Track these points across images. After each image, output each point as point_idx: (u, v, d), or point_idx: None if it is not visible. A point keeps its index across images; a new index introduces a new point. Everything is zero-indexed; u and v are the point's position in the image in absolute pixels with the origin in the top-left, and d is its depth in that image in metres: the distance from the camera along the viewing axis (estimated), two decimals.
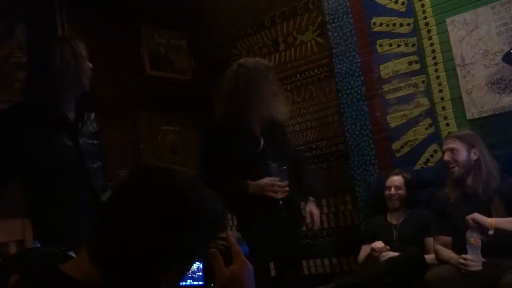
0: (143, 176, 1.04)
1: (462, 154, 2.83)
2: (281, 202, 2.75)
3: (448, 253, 2.82)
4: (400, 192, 3.36)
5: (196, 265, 1.14)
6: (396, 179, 3.40)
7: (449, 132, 3.58)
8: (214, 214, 1.03)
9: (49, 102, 2.19)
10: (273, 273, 2.99)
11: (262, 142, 2.82)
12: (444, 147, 2.93)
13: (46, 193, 2.17)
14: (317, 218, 2.91)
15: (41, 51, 2.26)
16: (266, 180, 2.70)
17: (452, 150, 2.85)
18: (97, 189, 2.23)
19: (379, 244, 3.22)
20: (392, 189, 3.37)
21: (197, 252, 1.03)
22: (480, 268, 2.59)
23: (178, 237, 0.97)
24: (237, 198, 2.80)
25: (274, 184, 2.70)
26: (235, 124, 2.76)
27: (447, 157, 2.87)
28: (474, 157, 2.82)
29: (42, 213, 2.19)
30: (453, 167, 2.84)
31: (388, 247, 3.19)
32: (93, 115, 2.38)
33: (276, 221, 2.77)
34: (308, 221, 2.90)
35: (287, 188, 2.73)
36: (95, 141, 2.34)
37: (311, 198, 2.95)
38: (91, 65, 2.27)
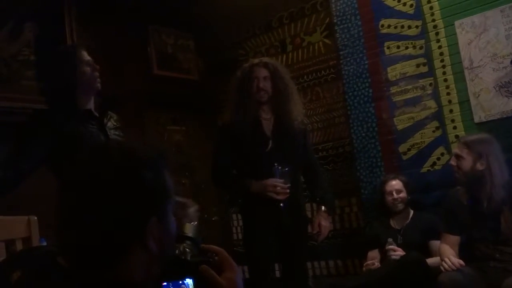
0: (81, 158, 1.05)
1: (467, 163, 2.76)
2: (282, 204, 2.75)
3: (447, 253, 2.79)
4: (402, 195, 3.37)
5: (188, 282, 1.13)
6: (395, 183, 3.41)
7: (456, 136, 3.57)
8: (154, 155, 1.03)
9: (74, 102, 2.42)
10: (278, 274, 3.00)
11: (270, 142, 2.82)
12: (453, 151, 2.90)
13: None
14: (324, 231, 2.90)
15: (55, 60, 2.50)
16: (269, 180, 2.71)
17: (458, 157, 2.81)
18: None
19: (373, 262, 3.28)
20: (394, 193, 3.38)
21: (161, 196, 1.01)
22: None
23: (133, 191, 0.96)
24: (243, 199, 2.83)
25: (275, 185, 2.71)
26: (243, 124, 2.77)
27: (453, 162, 2.84)
28: (480, 167, 2.73)
29: None
30: (456, 174, 2.81)
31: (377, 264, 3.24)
32: (114, 113, 2.63)
33: (277, 223, 2.77)
34: (315, 231, 2.90)
35: (288, 190, 2.73)
36: (120, 134, 2.57)
37: (322, 208, 2.93)
38: (90, 68, 2.46)
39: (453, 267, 2.62)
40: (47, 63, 2.57)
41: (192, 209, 2.29)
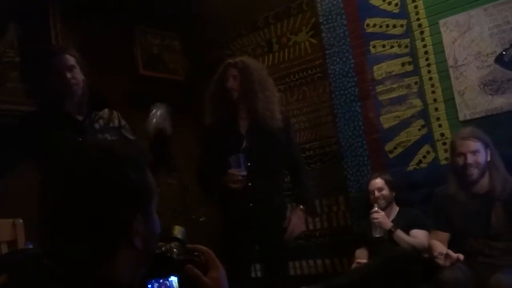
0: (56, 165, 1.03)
1: (483, 155, 2.74)
2: (251, 204, 2.76)
3: (442, 247, 2.77)
4: (383, 192, 3.38)
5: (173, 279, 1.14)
6: (377, 182, 3.42)
7: (441, 134, 3.59)
8: (135, 153, 1.03)
9: (54, 107, 2.41)
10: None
11: (245, 142, 2.82)
12: (464, 149, 2.76)
13: None
14: (294, 227, 2.85)
15: (37, 64, 2.53)
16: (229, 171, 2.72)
17: (474, 152, 2.74)
18: None
19: (363, 261, 3.29)
20: (376, 192, 3.39)
21: (145, 193, 1.02)
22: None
23: (116, 189, 0.96)
24: (220, 201, 2.87)
25: (231, 173, 2.70)
26: (219, 124, 2.78)
27: (470, 159, 2.73)
28: (489, 157, 2.75)
29: None
30: (473, 170, 2.74)
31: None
32: (106, 113, 2.57)
33: (251, 223, 2.78)
34: (286, 226, 2.86)
35: (240, 178, 2.70)
36: (110, 136, 2.51)
37: (300, 207, 2.90)
38: (78, 76, 2.44)
39: (454, 258, 2.58)
40: (27, 65, 2.55)
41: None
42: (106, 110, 2.59)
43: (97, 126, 2.50)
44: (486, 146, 2.77)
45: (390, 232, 3.16)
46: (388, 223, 3.20)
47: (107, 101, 2.66)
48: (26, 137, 2.34)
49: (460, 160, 2.78)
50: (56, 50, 2.52)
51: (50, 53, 2.47)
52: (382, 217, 3.21)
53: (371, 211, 3.25)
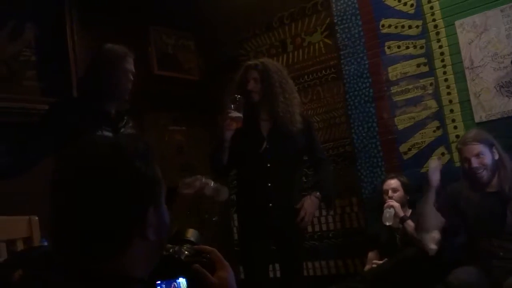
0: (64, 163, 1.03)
1: (488, 156, 2.76)
2: (271, 204, 2.78)
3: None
4: (397, 194, 3.36)
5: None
6: (393, 182, 3.41)
7: (457, 136, 3.57)
8: (143, 147, 1.03)
9: (96, 102, 2.46)
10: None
11: (265, 143, 2.83)
12: (468, 154, 2.80)
13: None
14: (306, 212, 2.80)
15: (96, 60, 2.56)
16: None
17: (477, 155, 2.77)
18: None
19: (376, 262, 3.31)
20: (390, 192, 3.38)
21: (156, 186, 1.03)
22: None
23: (131, 182, 0.97)
24: (237, 201, 2.87)
25: (230, 117, 2.72)
26: (244, 124, 2.78)
27: (475, 163, 2.76)
28: (496, 156, 2.78)
29: None
30: (482, 172, 2.76)
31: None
32: (130, 120, 2.63)
33: (269, 224, 2.79)
34: (299, 218, 2.81)
35: (229, 115, 2.71)
36: None
37: (315, 194, 2.86)
38: (131, 78, 2.55)
39: None
40: (93, 59, 2.58)
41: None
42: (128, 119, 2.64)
43: (123, 131, 2.53)
44: (491, 146, 2.79)
45: (401, 220, 3.18)
46: (401, 211, 3.23)
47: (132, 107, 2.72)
48: (56, 128, 2.34)
49: (466, 165, 2.82)
50: (128, 51, 2.55)
51: (125, 53, 2.55)
52: (397, 205, 3.24)
53: (387, 201, 3.29)
